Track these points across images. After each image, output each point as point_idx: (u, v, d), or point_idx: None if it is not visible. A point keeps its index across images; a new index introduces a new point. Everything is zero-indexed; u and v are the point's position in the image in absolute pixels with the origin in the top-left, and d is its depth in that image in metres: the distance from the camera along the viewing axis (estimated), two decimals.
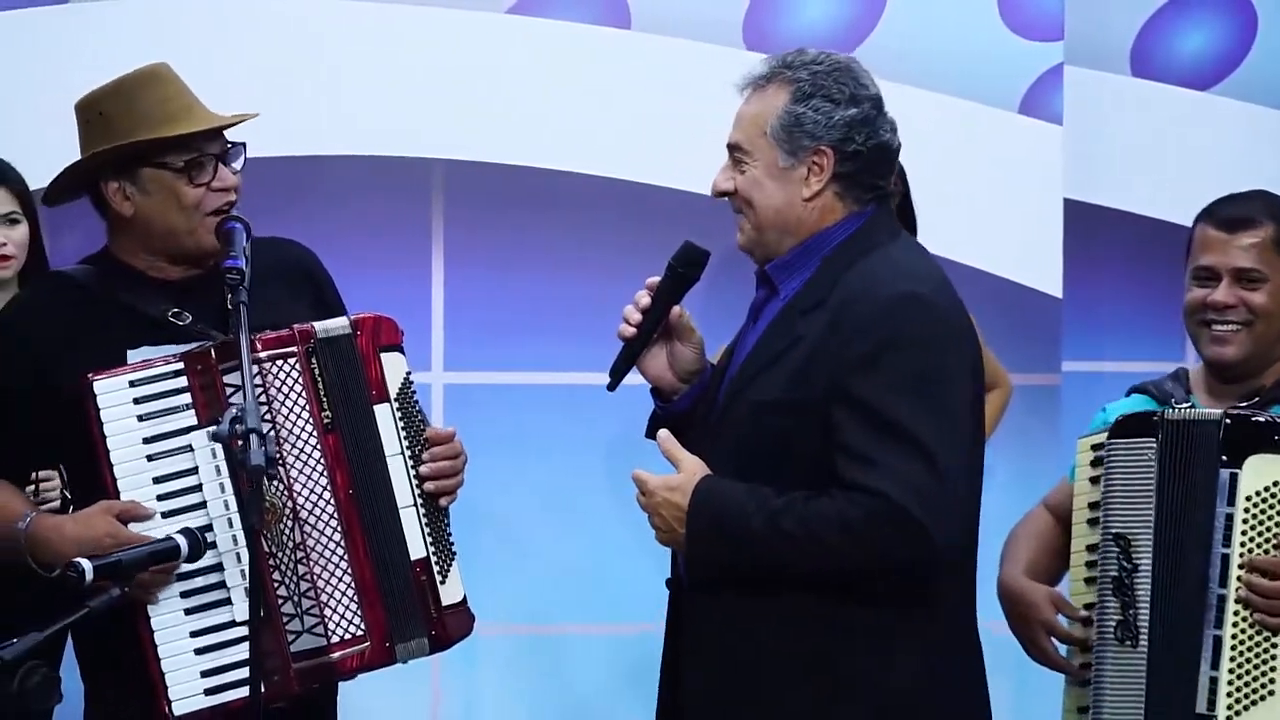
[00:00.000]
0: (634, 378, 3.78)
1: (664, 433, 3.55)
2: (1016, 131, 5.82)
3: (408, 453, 3.84)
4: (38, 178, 5.26)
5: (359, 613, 3.76)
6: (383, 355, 3.84)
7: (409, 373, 3.88)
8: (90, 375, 3.69)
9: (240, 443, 3.45)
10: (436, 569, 3.84)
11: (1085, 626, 3.91)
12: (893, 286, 3.41)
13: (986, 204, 5.77)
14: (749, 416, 3.47)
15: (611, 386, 3.74)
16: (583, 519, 5.87)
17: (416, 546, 3.83)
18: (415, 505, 3.84)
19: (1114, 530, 3.84)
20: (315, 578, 3.74)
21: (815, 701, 3.42)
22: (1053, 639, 3.95)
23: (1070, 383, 5.93)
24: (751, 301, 3.62)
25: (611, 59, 5.74)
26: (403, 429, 3.84)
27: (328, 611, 3.74)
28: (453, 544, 3.89)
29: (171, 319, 3.82)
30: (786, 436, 3.42)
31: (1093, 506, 3.92)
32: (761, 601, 3.43)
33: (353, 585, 3.76)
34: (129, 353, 3.78)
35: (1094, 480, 3.91)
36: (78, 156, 3.91)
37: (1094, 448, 3.92)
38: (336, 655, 3.74)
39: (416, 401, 3.88)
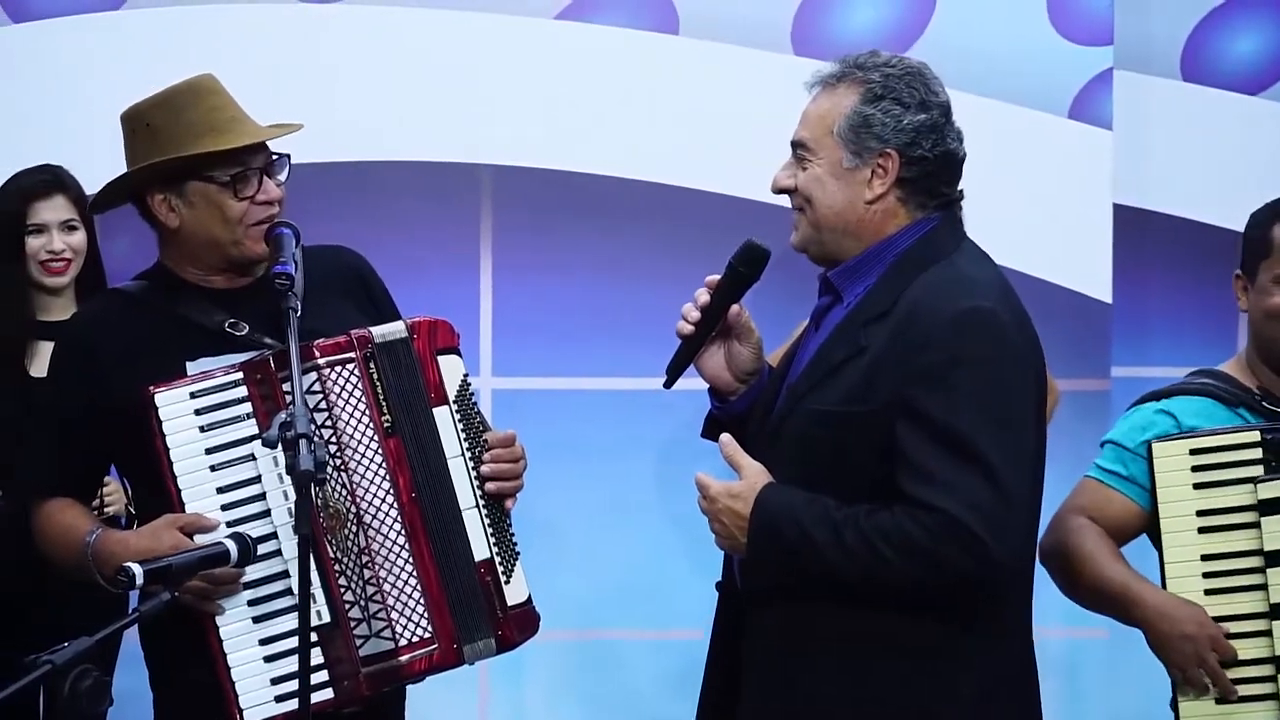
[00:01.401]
0: (685, 382, 3.76)
1: (726, 437, 3.52)
2: (1066, 136, 5.80)
3: (468, 454, 3.86)
4: (94, 183, 5.30)
5: (426, 615, 3.77)
6: (440, 358, 3.86)
7: (466, 375, 3.89)
8: (151, 388, 3.71)
9: (290, 448, 3.47)
10: (501, 569, 3.85)
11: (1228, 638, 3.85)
12: (958, 300, 3.37)
13: (1036, 209, 5.75)
14: (808, 425, 3.44)
15: (668, 384, 3.72)
16: (629, 524, 5.87)
17: (480, 548, 3.84)
18: (478, 506, 3.85)
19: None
20: (381, 581, 3.75)
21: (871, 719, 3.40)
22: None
23: (1119, 388, 5.90)
24: (814, 307, 3.60)
25: (660, 64, 5.74)
26: (462, 431, 3.85)
27: (394, 615, 3.75)
28: (516, 544, 3.90)
29: (228, 329, 3.84)
30: (846, 447, 3.39)
31: (1201, 514, 3.87)
32: (819, 615, 3.41)
33: (418, 588, 3.77)
34: (189, 364, 3.81)
35: (1198, 486, 3.87)
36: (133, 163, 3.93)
37: (1194, 452, 3.88)
38: (405, 658, 3.75)
39: (475, 403, 3.90)
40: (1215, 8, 6.05)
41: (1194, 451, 3.89)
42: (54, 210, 5.15)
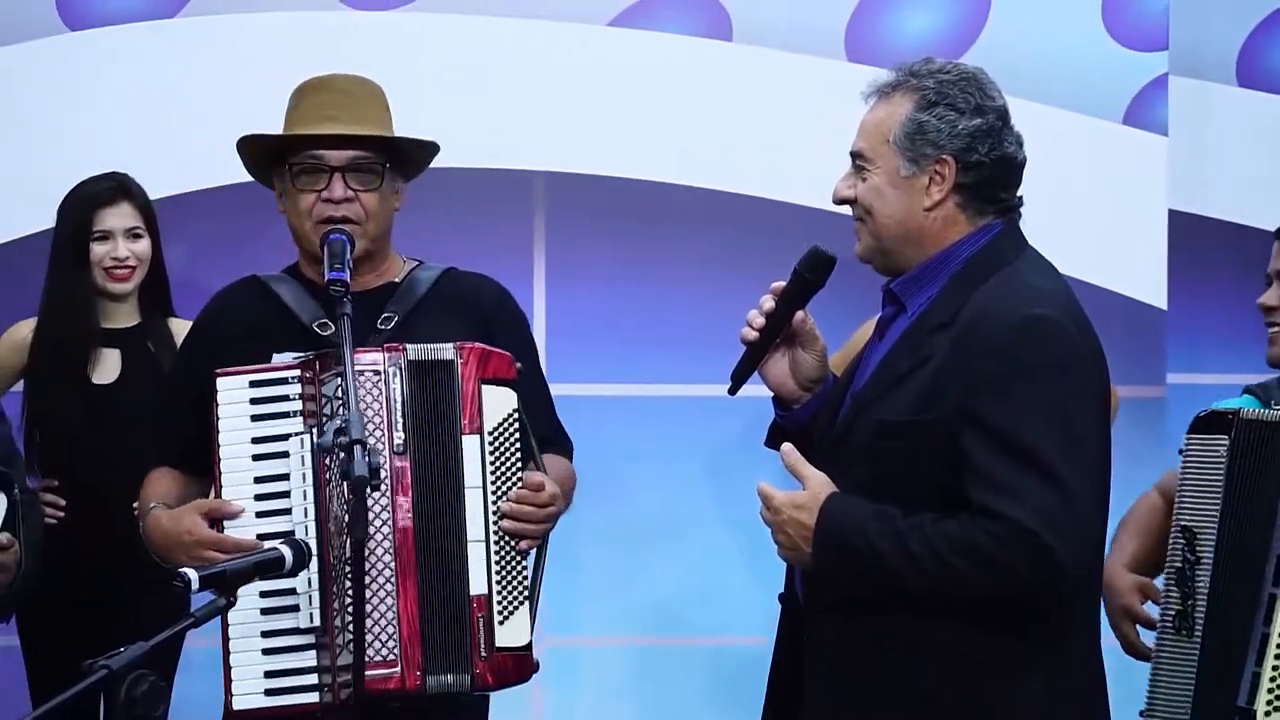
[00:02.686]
0: (746, 388, 3.75)
1: (788, 447, 3.49)
2: (1121, 142, 5.79)
3: (491, 488, 3.81)
4: (159, 189, 5.35)
5: (395, 637, 3.73)
6: (485, 387, 3.82)
7: (515, 410, 3.84)
8: (217, 371, 3.81)
9: (342, 453, 3.49)
10: (498, 607, 3.78)
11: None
12: (1022, 308, 3.35)
13: (1091, 216, 5.74)
14: (873, 435, 3.42)
15: (732, 390, 3.69)
16: (684, 531, 5.88)
17: (479, 582, 3.78)
18: (486, 540, 3.79)
19: (1183, 522, 3.90)
20: (361, 594, 3.68)
21: None
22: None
23: (1175, 395, 5.89)
24: (879, 317, 3.58)
25: (713, 71, 5.75)
26: (491, 464, 3.82)
27: (366, 632, 3.68)
28: (526, 587, 3.82)
29: (316, 328, 3.89)
30: (910, 457, 3.37)
31: None
32: (885, 627, 3.38)
33: (394, 608, 3.74)
34: (274, 356, 3.89)
35: None
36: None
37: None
38: (366, 674, 3.69)
39: (517, 440, 3.84)
40: (1271, 12, 6.03)
41: None
42: (119, 217, 5.18)
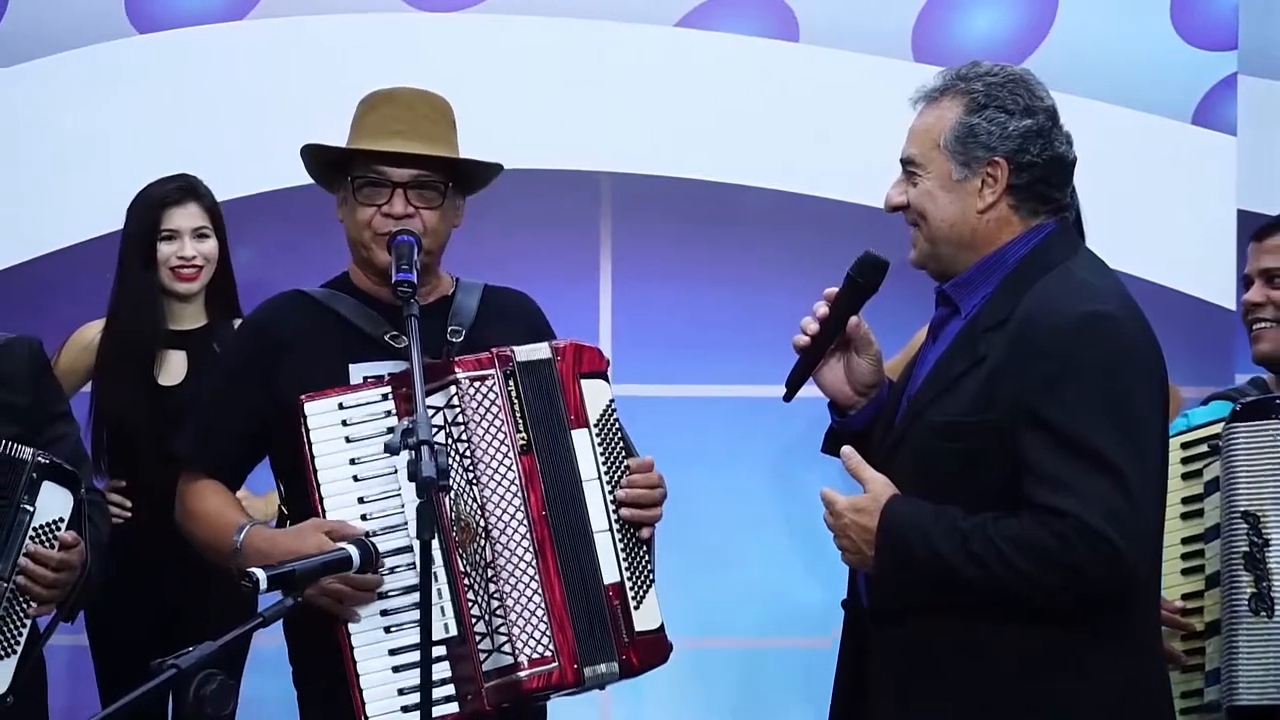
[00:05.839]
0: (803, 389, 3.75)
1: (849, 450, 3.49)
2: (1189, 142, 5.76)
3: (605, 478, 3.86)
4: (226, 191, 5.37)
5: (547, 632, 3.76)
6: (583, 382, 3.87)
7: (612, 400, 3.89)
8: (303, 397, 3.78)
9: (412, 454, 3.49)
10: (631, 594, 3.83)
11: (1184, 616, 4.10)
12: (1077, 306, 3.34)
13: (1159, 215, 5.71)
14: (930, 437, 3.41)
15: (787, 397, 3.69)
16: (748, 531, 5.87)
17: (610, 570, 3.83)
18: (610, 530, 3.85)
19: (1240, 508, 3.97)
20: (505, 596, 3.75)
21: None
22: None
23: None
24: (931, 319, 3.58)
25: (780, 71, 5.74)
26: (601, 455, 3.86)
27: (516, 630, 3.73)
28: (651, 571, 3.88)
29: (389, 341, 3.91)
30: (969, 458, 3.36)
31: (1186, 501, 4.10)
32: (949, 630, 3.37)
33: (542, 604, 3.77)
34: (351, 367, 3.89)
35: (1186, 476, 4.09)
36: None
37: (1185, 445, 4.11)
38: (524, 674, 3.73)
39: (619, 429, 3.90)
40: None
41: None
42: (187, 218, 5.20)
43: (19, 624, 3.97)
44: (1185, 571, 4.10)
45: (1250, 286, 4.38)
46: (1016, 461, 3.32)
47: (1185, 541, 4.11)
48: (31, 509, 3.96)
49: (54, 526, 3.99)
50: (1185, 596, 4.11)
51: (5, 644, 3.96)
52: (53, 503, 3.99)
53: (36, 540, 3.97)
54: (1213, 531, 4.07)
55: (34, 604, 3.98)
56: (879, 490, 3.42)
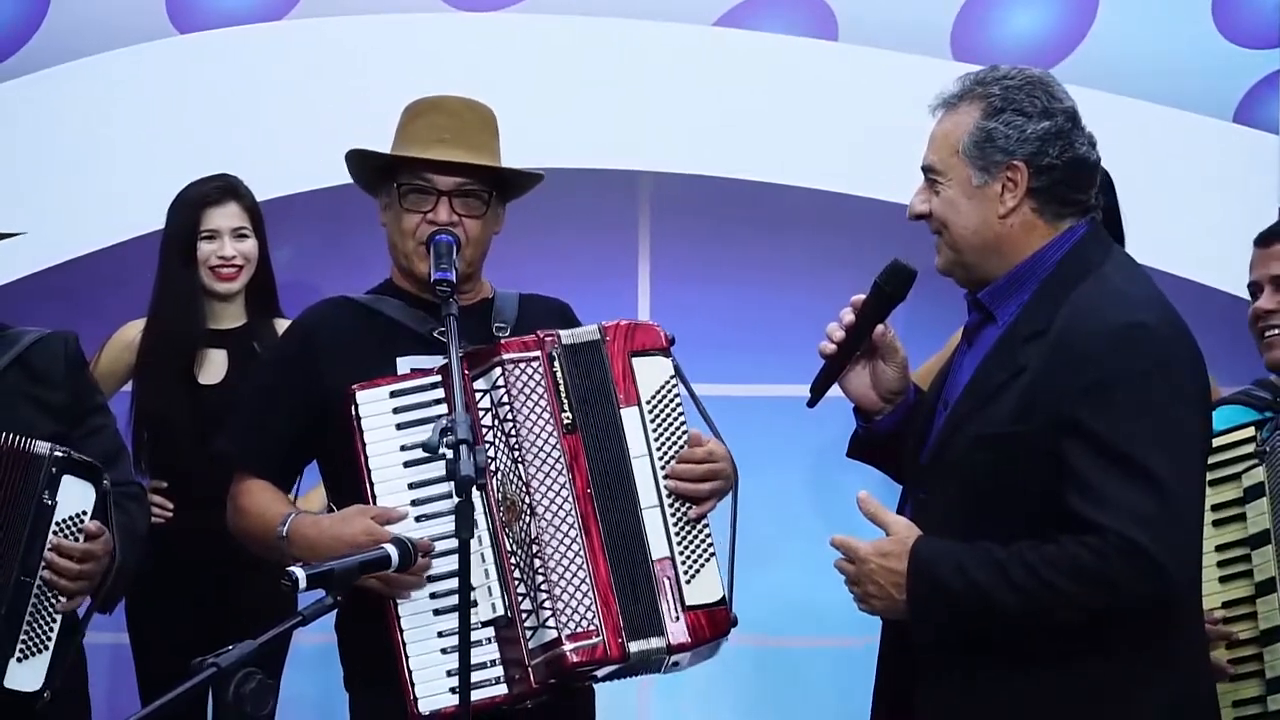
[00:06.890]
0: (839, 390, 3.75)
1: (866, 495, 3.45)
2: (1231, 140, 5.73)
3: (656, 455, 3.88)
4: (266, 190, 5.38)
5: (591, 607, 3.79)
6: (635, 360, 3.91)
7: (671, 377, 3.93)
8: (354, 386, 3.83)
9: (450, 453, 3.50)
10: (682, 569, 3.85)
11: (1227, 624, 4.04)
12: (1118, 316, 3.32)
13: (1200, 214, 5.69)
14: (971, 449, 3.38)
15: (811, 403, 3.70)
16: (787, 530, 5.87)
17: (659, 545, 3.85)
18: (660, 506, 3.86)
19: None
20: (550, 572, 3.78)
21: None
22: None
23: None
24: (964, 325, 3.56)
25: (819, 70, 5.73)
26: (654, 432, 3.89)
27: (560, 605, 3.76)
28: (708, 546, 3.88)
29: (436, 336, 3.95)
30: (1009, 469, 3.33)
31: (1216, 508, 4.01)
32: (996, 659, 3.34)
33: (587, 580, 3.80)
34: (399, 360, 3.94)
35: (1214, 483, 3.99)
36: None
37: (1215, 450, 3.97)
38: (568, 648, 3.75)
39: (676, 406, 3.92)
40: None
41: None
42: (226, 217, 5.22)
43: (49, 620, 3.97)
44: (1224, 579, 4.05)
45: (1258, 294, 4.33)
46: (1059, 472, 3.29)
47: (1219, 549, 4.07)
48: (53, 503, 3.97)
49: (78, 519, 4.00)
50: (1226, 604, 4.05)
51: (36, 641, 3.96)
52: (74, 496, 4.00)
53: (60, 534, 3.98)
54: (1259, 538, 4.03)
55: (62, 598, 3.99)
56: (904, 532, 3.39)
